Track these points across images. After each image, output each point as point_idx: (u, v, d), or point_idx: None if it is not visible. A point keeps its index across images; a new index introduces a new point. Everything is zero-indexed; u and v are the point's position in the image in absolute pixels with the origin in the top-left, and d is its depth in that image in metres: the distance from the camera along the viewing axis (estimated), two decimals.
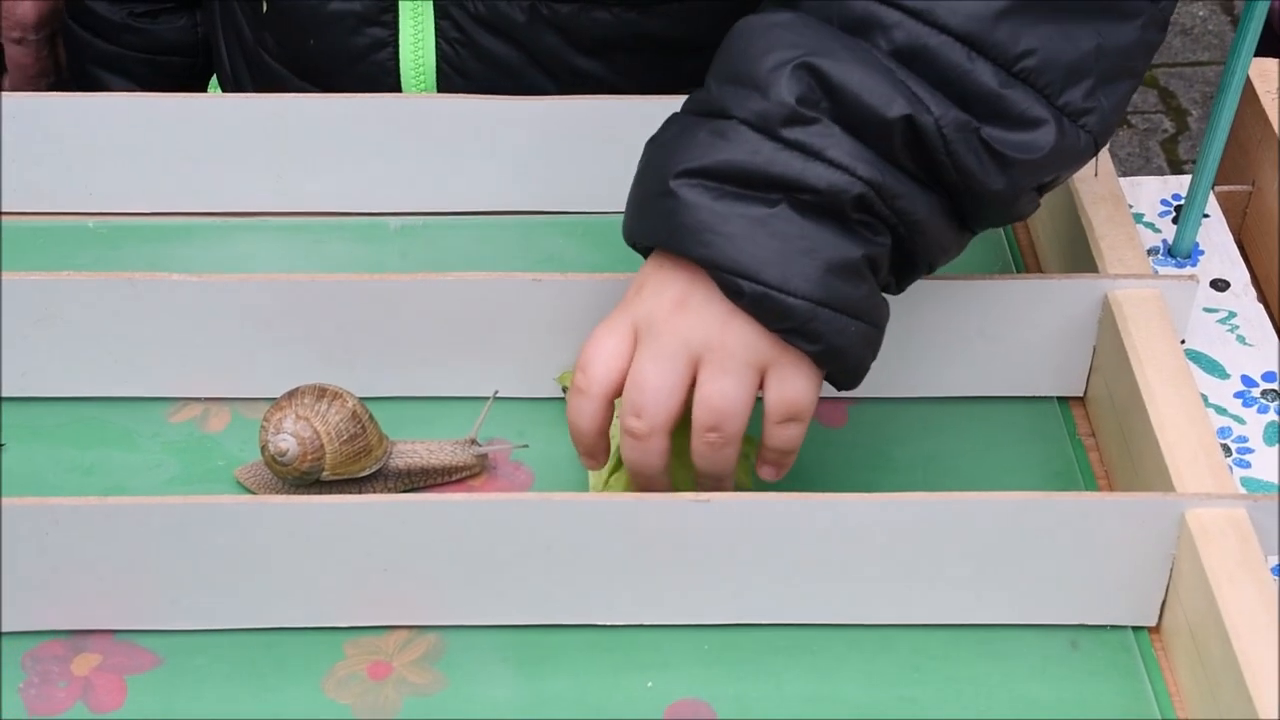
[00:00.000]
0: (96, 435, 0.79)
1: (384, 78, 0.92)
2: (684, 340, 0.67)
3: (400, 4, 0.90)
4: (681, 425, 0.70)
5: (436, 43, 0.91)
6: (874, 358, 0.70)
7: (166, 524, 0.67)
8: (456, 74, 0.92)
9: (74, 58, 1.06)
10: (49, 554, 0.68)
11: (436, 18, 0.90)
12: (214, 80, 1.04)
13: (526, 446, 0.78)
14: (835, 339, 0.67)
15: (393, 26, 0.91)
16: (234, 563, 0.69)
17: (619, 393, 0.69)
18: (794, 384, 0.68)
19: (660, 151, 0.69)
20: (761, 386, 0.68)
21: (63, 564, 0.68)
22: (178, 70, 1.05)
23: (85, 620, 0.70)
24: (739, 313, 0.67)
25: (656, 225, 0.68)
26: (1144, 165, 2.16)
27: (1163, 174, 2.14)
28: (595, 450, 0.70)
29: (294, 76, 0.95)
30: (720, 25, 0.91)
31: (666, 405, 0.67)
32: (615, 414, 0.74)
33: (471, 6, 0.90)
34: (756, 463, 0.71)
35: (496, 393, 0.78)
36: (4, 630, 0.70)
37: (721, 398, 0.67)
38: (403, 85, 0.92)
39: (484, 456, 0.77)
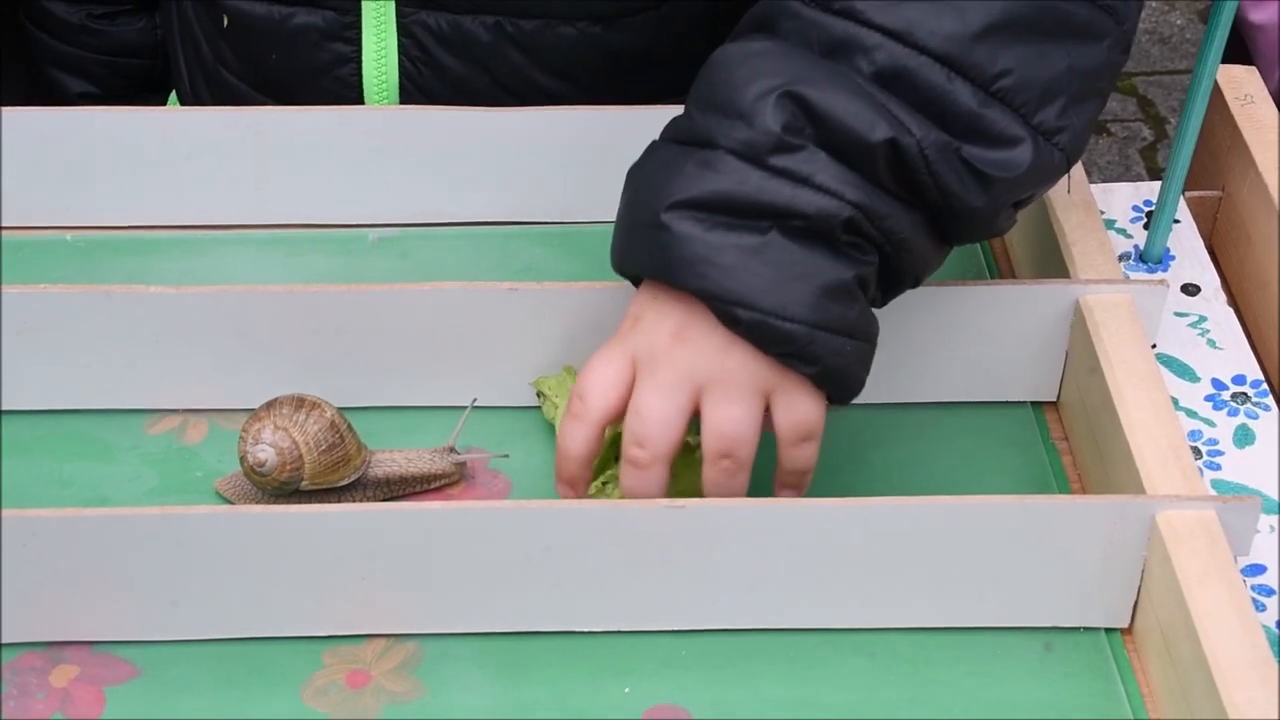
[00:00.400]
0: (75, 447, 0.79)
1: (346, 93, 0.93)
2: (686, 371, 0.68)
3: (363, 21, 0.91)
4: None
5: (399, 60, 0.91)
6: (868, 372, 0.71)
7: (144, 535, 0.68)
8: (419, 92, 0.93)
9: (31, 59, 1.06)
10: (26, 565, 0.68)
11: (399, 35, 0.91)
12: (173, 96, 1.04)
13: (506, 456, 0.79)
14: (832, 359, 0.68)
15: (356, 43, 0.91)
16: (212, 573, 0.69)
17: (613, 420, 0.70)
18: (801, 405, 0.69)
19: (648, 182, 0.70)
20: (769, 413, 0.69)
21: (40, 575, 0.68)
22: (136, 72, 1.05)
23: (63, 631, 0.70)
24: (738, 341, 0.67)
25: (650, 258, 0.69)
26: (1123, 173, 2.17)
27: (1142, 181, 2.16)
28: (577, 480, 0.71)
29: (254, 91, 0.95)
30: (684, 37, 0.92)
31: (669, 434, 0.68)
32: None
33: (434, 24, 0.90)
34: (775, 486, 0.72)
35: (475, 401, 0.79)
36: None
37: (732, 424, 0.68)
38: (366, 101, 0.93)
39: (462, 465, 0.78)
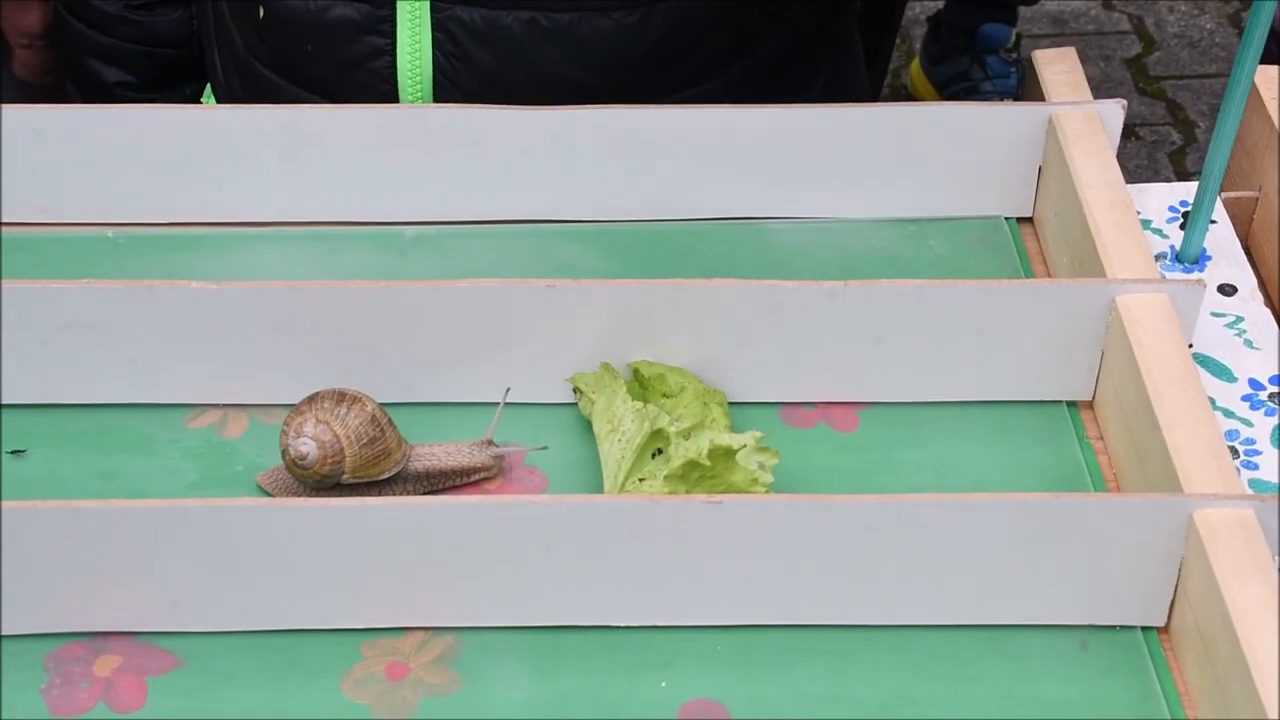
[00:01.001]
0: (117, 441, 0.80)
1: (380, 85, 0.93)
2: None
3: (397, 15, 0.91)
4: (682, 473, 0.72)
5: (433, 54, 0.92)
6: None
7: (186, 527, 0.68)
8: (453, 86, 0.93)
9: (69, 50, 1.07)
10: (71, 557, 0.69)
11: (434, 30, 0.91)
12: (208, 89, 1.05)
13: (545, 448, 0.79)
14: None
15: (390, 35, 0.92)
16: (252, 565, 0.70)
17: None
18: None
19: None
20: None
21: (84, 567, 0.69)
22: (172, 62, 1.06)
23: (106, 622, 0.71)
24: None
25: None
26: (1152, 177, 2.17)
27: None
28: None
29: (288, 84, 0.96)
30: (713, 20, 0.92)
31: None
32: (643, 416, 0.75)
33: (468, 18, 0.91)
34: None
35: (509, 390, 0.79)
36: (26, 632, 0.71)
37: None
38: (400, 94, 0.93)
39: (501, 458, 0.78)
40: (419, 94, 0.93)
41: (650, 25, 0.91)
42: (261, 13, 0.94)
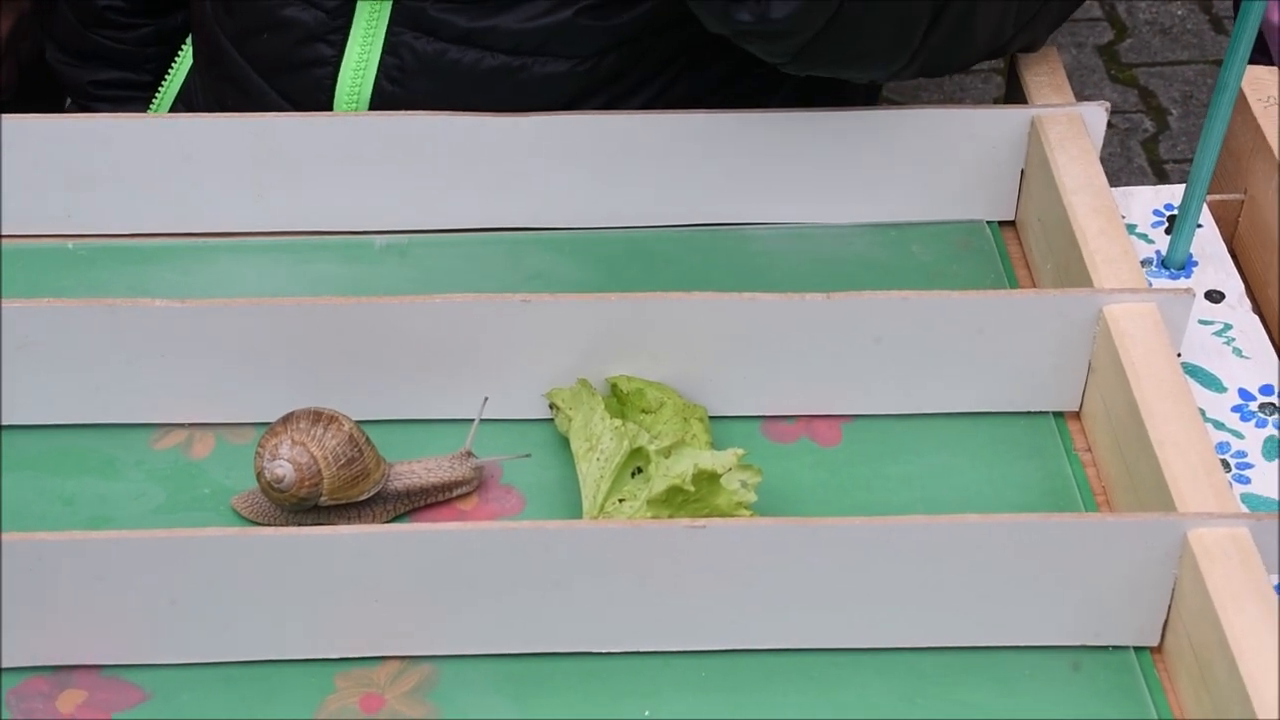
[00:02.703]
0: (79, 464, 0.77)
1: (318, 94, 0.91)
2: None
3: (351, 30, 0.89)
4: (665, 498, 0.70)
5: (377, 77, 0.90)
6: None
7: (152, 556, 0.66)
8: (388, 110, 0.91)
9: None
10: (32, 588, 0.67)
11: (384, 53, 0.89)
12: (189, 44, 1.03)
13: (528, 456, 0.77)
14: None
15: (338, 48, 0.90)
16: (221, 594, 0.67)
17: None
18: None
19: None
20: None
21: (46, 598, 0.67)
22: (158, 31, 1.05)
23: (70, 655, 0.69)
24: None
25: None
26: (1125, 164, 2.16)
27: (1144, 173, 2.14)
28: None
29: (241, 60, 0.94)
30: (666, 64, 0.91)
31: None
32: (622, 435, 0.73)
33: (420, 45, 0.89)
34: None
35: (486, 400, 0.77)
36: None
37: None
38: (335, 108, 0.91)
39: (480, 469, 0.76)
40: (352, 110, 0.91)
41: (601, 70, 0.89)
42: None
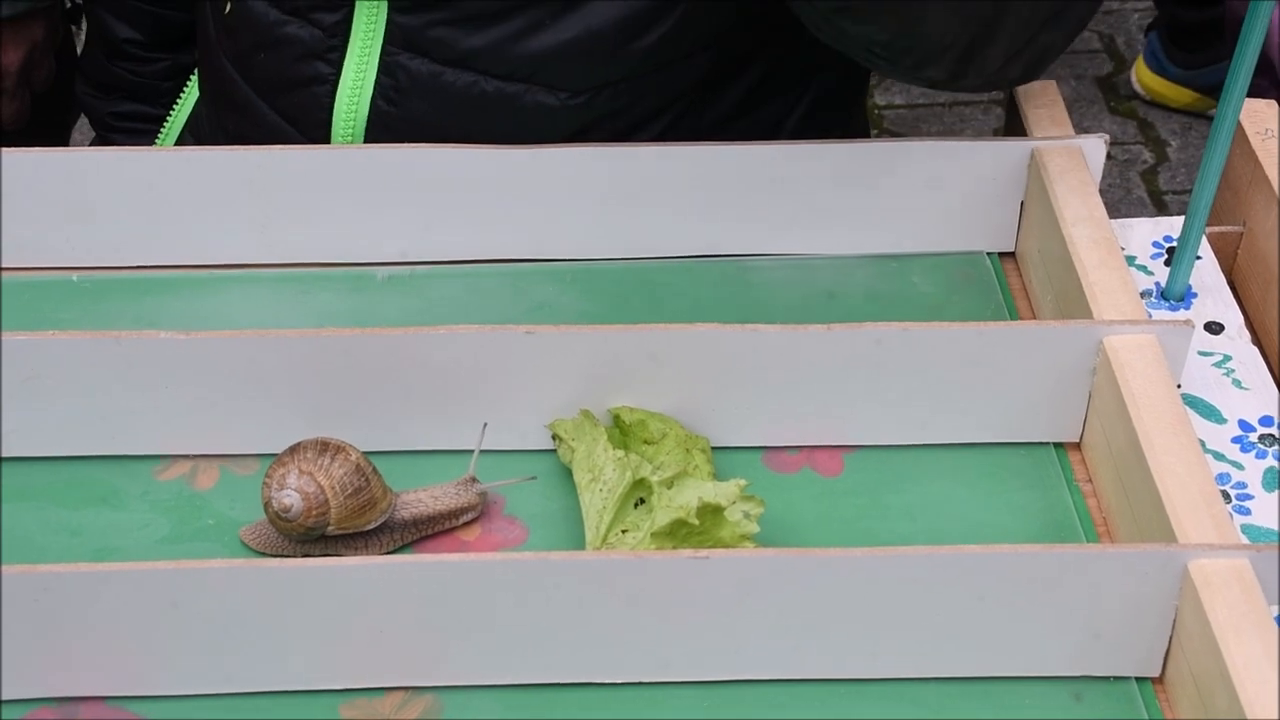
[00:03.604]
0: (84, 495, 0.77)
1: (316, 112, 0.92)
2: None
3: (348, 49, 0.90)
4: (669, 530, 0.70)
5: (373, 97, 0.90)
6: None
7: (157, 589, 0.66)
8: (386, 130, 0.91)
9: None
10: (38, 620, 0.67)
11: (379, 73, 0.90)
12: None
13: (534, 479, 0.77)
14: None
15: (337, 65, 0.91)
16: (226, 626, 0.68)
17: None
18: None
19: None
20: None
21: (53, 630, 0.67)
22: (180, 24, 1.07)
23: (76, 687, 0.69)
24: None
25: None
26: (1125, 196, 2.17)
27: (1144, 204, 2.15)
28: None
29: (241, 81, 0.95)
30: (668, 102, 0.91)
31: None
32: (624, 465, 0.73)
33: (414, 66, 0.89)
34: None
35: (486, 425, 0.77)
36: None
37: None
38: (332, 127, 0.92)
39: (484, 494, 0.76)
40: (350, 131, 0.92)
41: (596, 106, 0.89)
42: (228, 7, 0.93)
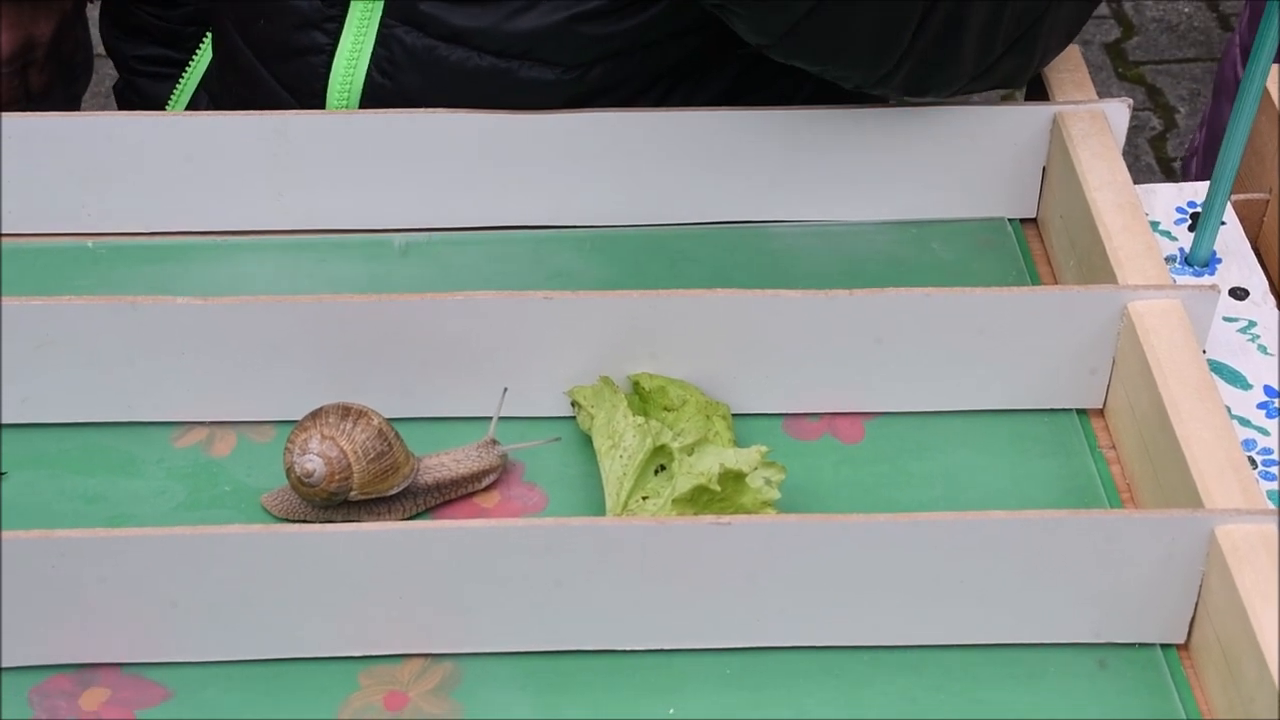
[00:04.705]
0: (100, 462, 0.77)
1: (311, 81, 0.91)
2: None
3: (346, 20, 0.89)
4: (691, 497, 0.70)
5: (368, 69, 0.90)
6: None
7: (174, 554, 0.66)
8: (379, 104, 0.90)
9: None
10: (54, 587, 0.66)
11: (376, 45, 0.89)
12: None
13: (558, 439, 0.77)
14: None
15: (334, 36, 0.90)
16: (244, 593, 0.67)
17: None
18: None
19: None
20: None
21: (68, 596, 0.67)
22: (198, 9, 1.05)
23: (93, 653, 0.68)
24: None
25: None
26: (1133, 163, 2.16)
27: (1152, 170, 2.14)
28: None
29: (244, 47, 0.94)
30: (657, 79, 0.90)
31: None
32: (645, 432, 0.73)
33: (409, 40, 0.88)
34: None
35: (506, 390, 0.77)
36: (9, 665, 0.68)
37: None
38: (327, 97, 0.91)
39: (505, 455, 0.76)
40: (345, 102, 0.91)
41: (588, 81, 0.88)
42: None
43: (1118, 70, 2.29)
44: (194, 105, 1.03)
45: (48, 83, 1.13)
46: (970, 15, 0.80)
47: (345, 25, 0.90)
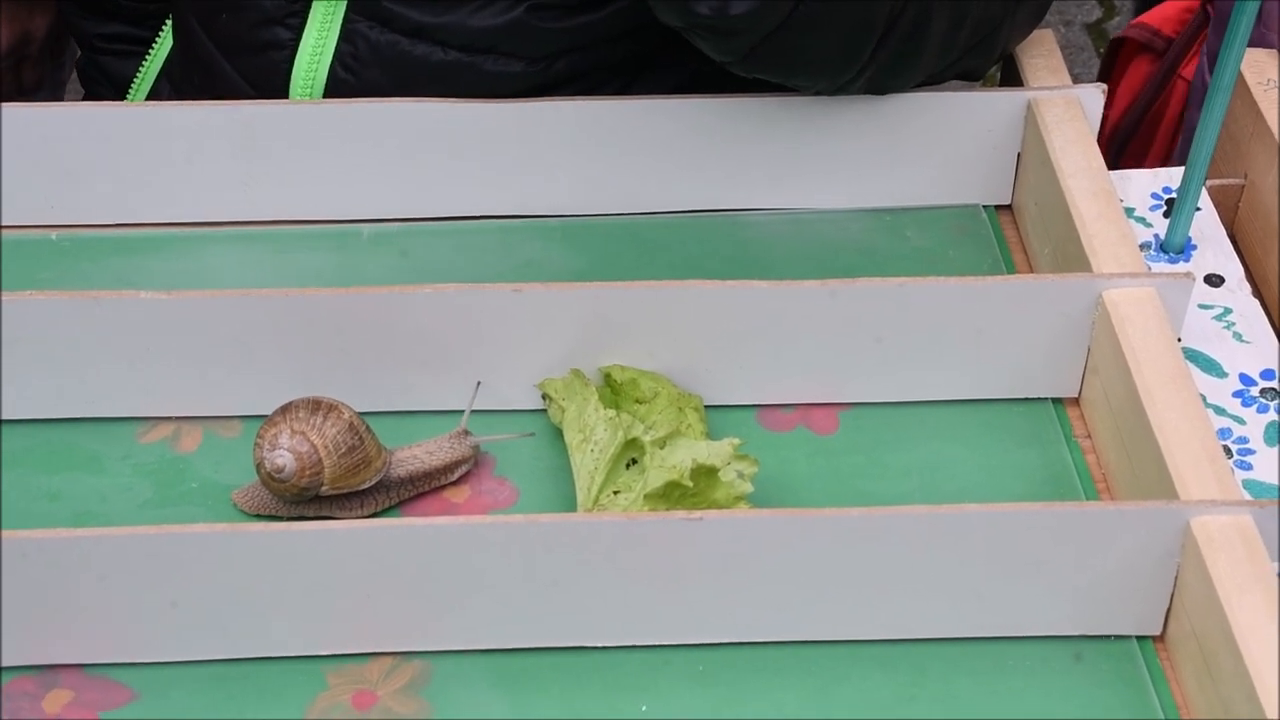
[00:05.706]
0: (64, 458, 0.76)
1: (274, 78, 0.90)
2: None
3: (309, 16, 0.88)
4: (663, 492, 0.69)
5: (332, 64, 0.89)
6: None
7: (140, 554, 0.65)
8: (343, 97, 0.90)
9: None
10: (18, 586, 0.65)
11: (340, 40, 0.88)
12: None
13: (532, 435, 0.76)
14: None
15: (296, 31, 0.89)
16: (209, 592, 0.66)
17: None
18: None
19: None
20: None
21: (32, 596, 0.66)
22: None
23: (56, 654, 0.68)
24: None
25: None
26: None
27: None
28: None
29: (206, 40, 0.93)
30: (619, 69, 0.90)
31: None
32: (616, 425, 0.72)
33: (373, 35, 0.87)
34: None
35: (480, 384, 0.76)
36: None
37: None
38: (290, 92, 0.90)
39: (478, 445, 0.75)
40: (307, 97, 0.90)
41: (553, 73, 0.88)
42: None
43: (1098, 50, 2.28)
44: (155, 92, 1.02)
45: (39, 78, 1.12)
46: (931, 26, 0.80)
47: (308, 21, 0.89)
